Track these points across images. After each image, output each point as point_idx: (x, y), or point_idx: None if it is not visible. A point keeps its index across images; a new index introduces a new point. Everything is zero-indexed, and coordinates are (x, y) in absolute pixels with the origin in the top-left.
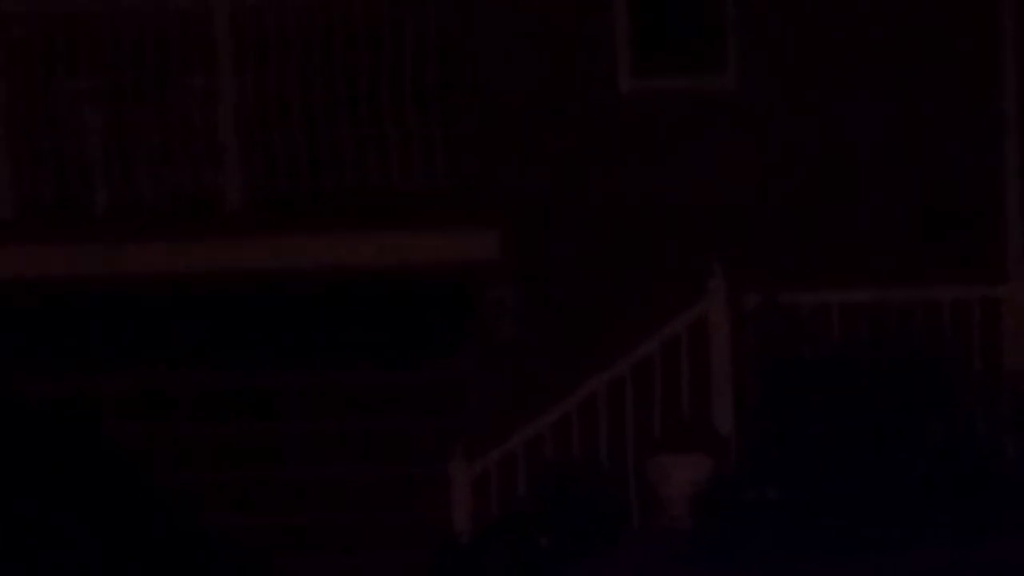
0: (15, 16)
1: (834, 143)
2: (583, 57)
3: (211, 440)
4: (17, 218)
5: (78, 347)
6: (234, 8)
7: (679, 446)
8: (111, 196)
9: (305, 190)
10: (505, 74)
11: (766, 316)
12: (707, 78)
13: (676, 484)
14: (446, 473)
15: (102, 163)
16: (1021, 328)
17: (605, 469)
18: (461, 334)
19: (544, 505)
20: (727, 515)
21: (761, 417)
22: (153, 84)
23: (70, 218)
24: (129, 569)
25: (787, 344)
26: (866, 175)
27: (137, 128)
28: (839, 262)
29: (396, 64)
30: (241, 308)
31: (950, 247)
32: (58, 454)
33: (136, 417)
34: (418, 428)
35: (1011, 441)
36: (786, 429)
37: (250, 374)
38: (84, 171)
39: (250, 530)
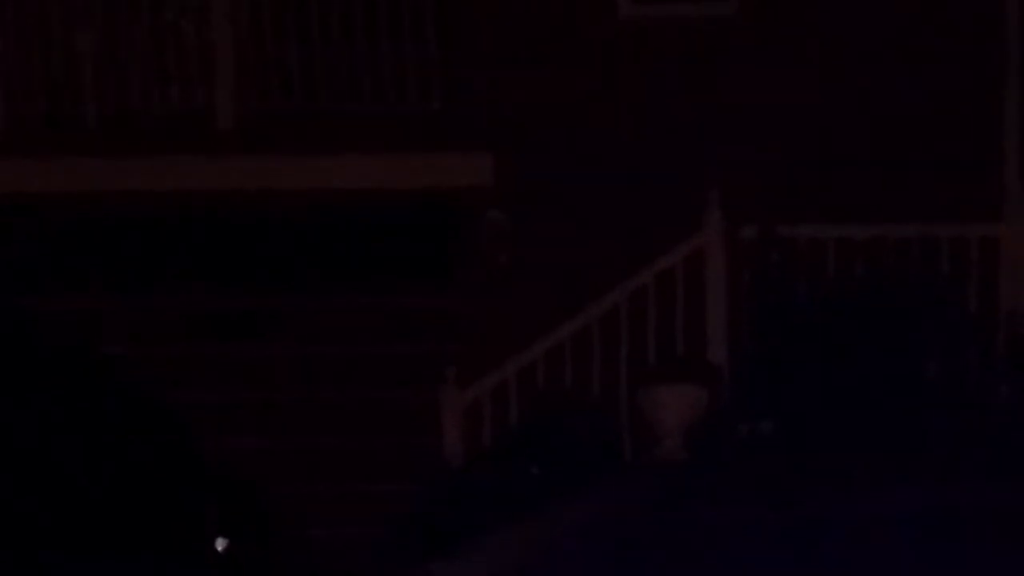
0: None
1: (834, 75)
2: None
3: (197, 362)
4: (6, 132)
5: (65, 264)
6: None
7: (673, 377)
8: (102, 112)
9: (299, 110)
10: (504, 2)
11: (763, 249)
12: (707, 4)
13: (669, 415)
14: (437, 399)
15: (93, 79)
16: (1017, 268)
17: (598, 399)
18: (454, 258)
19: (536, 434)
20: (721, 449)
21: (756, 350)
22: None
23: (60, 134)
24: (120, 482)
25: (783, 277)
26: (867, 109)
27: (129, 44)
28: (838, 197)
29: None
30: (232, 227)
31: (950, 186)
32: (50, 368)
33: (122, 336)
34: (409, 353)
35: (1005, 381)
36: (781, 363)
37: (239, 295)
38: (75, 87)
39: (237, 453)
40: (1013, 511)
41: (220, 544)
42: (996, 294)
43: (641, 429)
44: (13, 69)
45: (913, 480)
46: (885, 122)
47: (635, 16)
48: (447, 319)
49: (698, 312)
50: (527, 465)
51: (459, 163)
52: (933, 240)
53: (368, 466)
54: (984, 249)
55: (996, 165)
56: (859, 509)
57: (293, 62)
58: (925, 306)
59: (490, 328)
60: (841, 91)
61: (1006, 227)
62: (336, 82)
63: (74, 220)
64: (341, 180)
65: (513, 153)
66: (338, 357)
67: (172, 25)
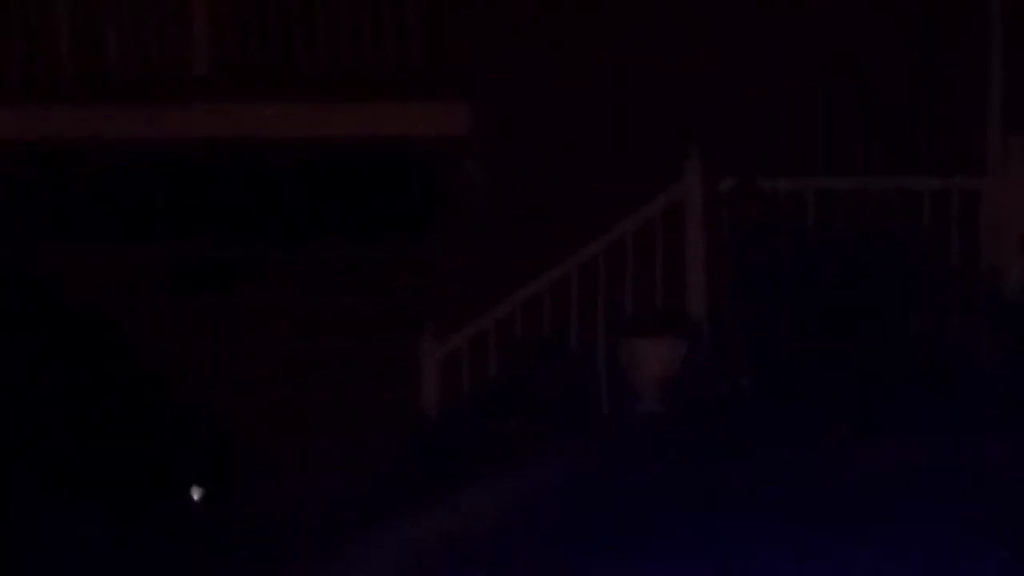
0: None
1: (817, 27)
2: None
3: (172, 313)
4: None
5: (39, 212)
6: None
7: (652, 330)
8: (78, 59)
9: (276, 59)
10: None
11: (742, 201)
12: None
13: (648, 368)
14: (415, 351)
15: (69, 25)
16: (998, 223)
17: (576, 351)
18: (431, 209)
19: (514, 386)
20: (698, 402)
21: (735, 304)
22: None
23: (36, 80)
24: (97, 429)
25: (763, 230)
26: (850, 62)
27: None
28: (819, 150)
29: None
30: (206, 177)
31: (932, 139)
32: (27, 317)
33: (99, 287)
34: (387, 305)
35: (985, 336)
36: (760, 317)
37: (214, 246)
38: (51, 33)
39: (213, 403)
40: (989, 465)
41: (196, 493)
42: (977, 248)
43: (620, 381)
44: None
45: (890, 435)
46: (868, 75)
47: None
48: (424, 270)
49: (678, 264)
50: (506, 417)
51: (436, 112)
52: (914, 193)
53: (345, 417)
54: (965, 203)
55: (979, 118)
56: (828, 467)
57: (271, 11)
58: (906, 259)
59: (468, 279)
60: (823, 44)
61: (987, 180)
62: (314, 31)
63: (50, 169)
64: (318, 129)
65: (491, 102)
66: (315, 308)
67: None
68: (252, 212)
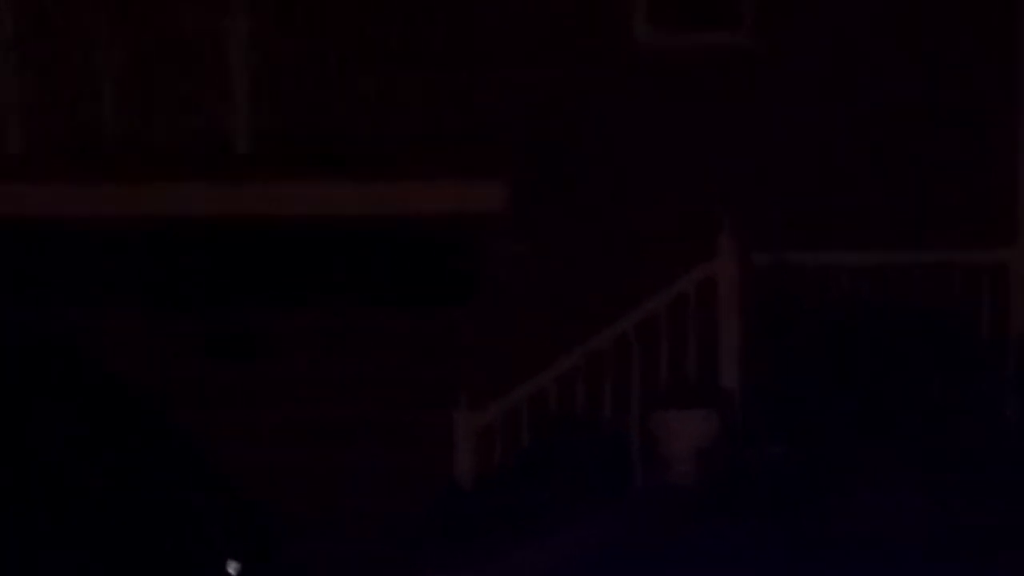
0: None
1: (847, 102)
2: (599, 6)
3: (213, 380)
4: (26, 153)
5: (83, 284)
6: None
7: (684, 402)
8: (122, 136)
9: (313, 135)
10: (519, 21)
11: (774, 275)
12: (722, 32)
13: (681, 440)
14: (450, 421)
15: (114, 102)
16: None
17: (609, 424)
18: (467, 282)
19: (547, 457)
20: (731, 472)
21: (767, 376)
22: (167, 23)
23: (80, 156)
24: (130, 502)
25: (794, 304)
26: (881, 138)
27: (150, 69)
28: (850, 224)
29: (409, 12)
30: (249, 250)
31: (962, 213)
32: (63, 384)
33: (139, 356)
34: (423, 375)
35: (1013, 405)
36: (791, 388)
37: (257, 316)
38: (96, 110)
39: (251, 469)
40: (1013, 530)
41: (232, 568)
42: (1007, 319)
43: (652, 453)
44: (34, 94)
45: (919, 503)
46: (898, 150)
47: (651, 41)
48: (460, 342)
49: (710, 337)
50: (538, 488)
51: (474, 190)
52: (945, 266)
53: (379, 485)
54: (996, 275)
55: (1009, 189)
56: (860, 530)
57: (309, 88)
58: (935, 331)
59: (503, 352)
60: (854, 119)
61: (1017, 252)
62: (350, 108)
63: (92, 240)
64: (355, 206)
65: (527, 178)
66: (352, 377)
67: (191, 50)
68: (291, 284)
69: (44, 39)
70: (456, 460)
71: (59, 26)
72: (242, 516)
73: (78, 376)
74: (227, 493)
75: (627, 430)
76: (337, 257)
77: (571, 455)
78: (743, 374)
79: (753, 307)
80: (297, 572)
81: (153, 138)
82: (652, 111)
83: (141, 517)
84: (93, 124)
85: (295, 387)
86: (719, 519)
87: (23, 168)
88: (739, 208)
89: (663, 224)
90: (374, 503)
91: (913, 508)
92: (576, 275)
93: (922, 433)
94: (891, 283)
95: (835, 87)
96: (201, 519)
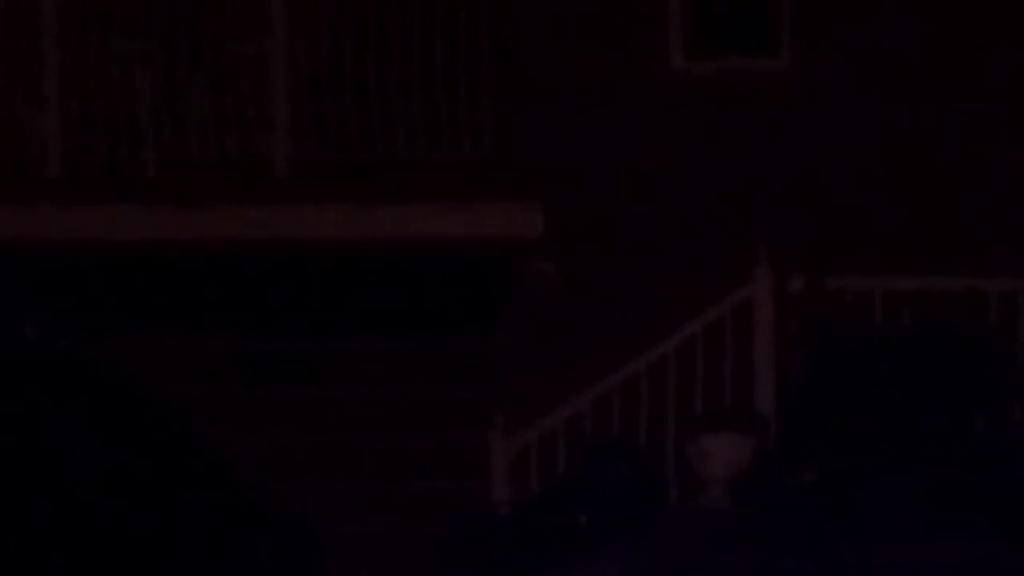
0: None
1: (885, 128)
2: (635, 34)
3: (247, 405)
4: (65, 177)
5: (121, 308)
6: None
7: (720, 427)
8: (160, 159)
9: (353, 158)
10: (557, 49)
11: (810, 300)
12: (759, 60)
13: (716, 464)
14: (485, 446)
15: (152, 126)
16: None
17: (645, 447)
18: (502, 307)
19: (583, 481)
20: (765, 498)
21: (802, 401)
22: (206, 48)
23: (118, 179)
24: (170, 526)
25: (830, 329)
26: (917, 163)
27: (188, 92)
28: (885, 249)
29: (448, 35)
30: (285, 274)
31: (1001, 236)
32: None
33: (177, 379)
34: (457, 399)
35: None
36: (827, 414)
37: (291, 339)
38: (134, 133)
39: (288, 495)
40: None
41: None
42: None
43: (688, 478)
44: (73, 117)
45: (955, 533)
46: (934, 175)
47: (687, 69)
48: (496, 366)
49: (746, 362)
50: (574, 513)
51: (509, 213)
52: (981, 292)
53: (415, 510)
54: None
55: None
56: (897, 561)
57: (349, 112)
58: (972, 358)
59: (538, 375)
60: (889, 144)
61: None
62: (391, 132)
63: (130, 266)
64: (394, 229)
65: (562, 203)
66: (386, 401)
67: (230, 74)
68: (329, 307)
69: (84, 63)
70: (492, 485)
71: (98, 50)
72: (279, 538)
73: (107, 396)
74: (264, 516)
75: (662, 454)
76: (374, 281)
77: (607, 479)
78: (778, 399)
79: (789, 332)
80: None
81: (192, 161)
82: (688, 136)
83: (179, 536)
84: (132, 148)
85: (332, 412)
86: (753, 544)
87: (63, 192)
88: (776, 233)
89: (699, 248)
90: (411, 528)
91: (949, 544)
92: (612, 299)
93: (961, 462)
94: (929, 307)
95: (873, 110)
96: (240, 540)
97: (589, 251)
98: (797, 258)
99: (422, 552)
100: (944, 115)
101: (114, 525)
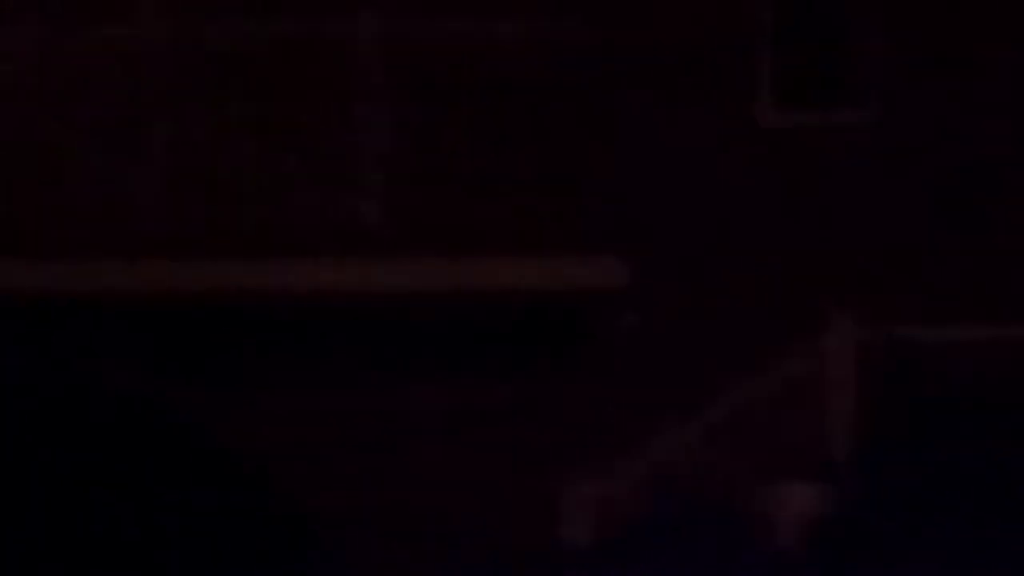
0: (185, 46)
1: (972, 179)
2: (723, 88)
3: (347, 457)
4: (171, 235)
5: (220, 357)
6: (381, 40)
7: (795, 474)
8: (260, 216)
9: (442, 213)
10: (646, 103)
11: (887, 351)
12: (847, 112)
13: (791, 512)
14: (567, 490)
15: (253, 184)
16: None
17: (720, 495)
18: (586, 355)
19: (658, 528)
20: (840, 545)
21: (877, 451)
22: (303, 111)
23: (216, 235)
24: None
25: (905, 378)
26: (1000, 212)
27: (288, 153)
28: (965, 298)
29: (531, 92)
30: (375, 325)
31: None
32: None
33: (266, 430)
34: (539, 445)
35: None
36: (901, 462)
37: (379, 389)
38: (235, 191)
39: (368, 540)
40: None
41: None
42: None
43: (762, 525)
44: (177, 176)
45: None
46: (1017, 226)
47: (776, 123)
48: (575, 413)
49: (822, 411)
50: (652, 556)
51: (593, 264)
52: None
53: (490, 554)
54: None
55: None
56: None
57: (440, 170)
58: None
59: (618, 422)
60: (978, 196)
61: None
62: (481, 188)
63: (227, 316)
64: (479, 281)
65: (648, 254)
66: (472, 446)
67: (323, 133)
68: (415, 356)
69: (184, 124)
70: (572, 530)
71: (198, 114)
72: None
73: (198, 440)
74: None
75: (740, 501)
76: (463, 330)
77: (683, 524)
78: (854, 448)
79: (864, 381)
80: None
81: (287, 218)
82: (772, 188)
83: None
84: (231, 205)
85: (416, 455)
86: None
87: (168, 247)
88: (855, 283)
89: (780, 298)
90: (492, 572)
91: None
92: (692, 347)
93: None
94: (1006, 357)
95: (956, 162)
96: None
97: (672, 301)
98: (876, 309)
99: None
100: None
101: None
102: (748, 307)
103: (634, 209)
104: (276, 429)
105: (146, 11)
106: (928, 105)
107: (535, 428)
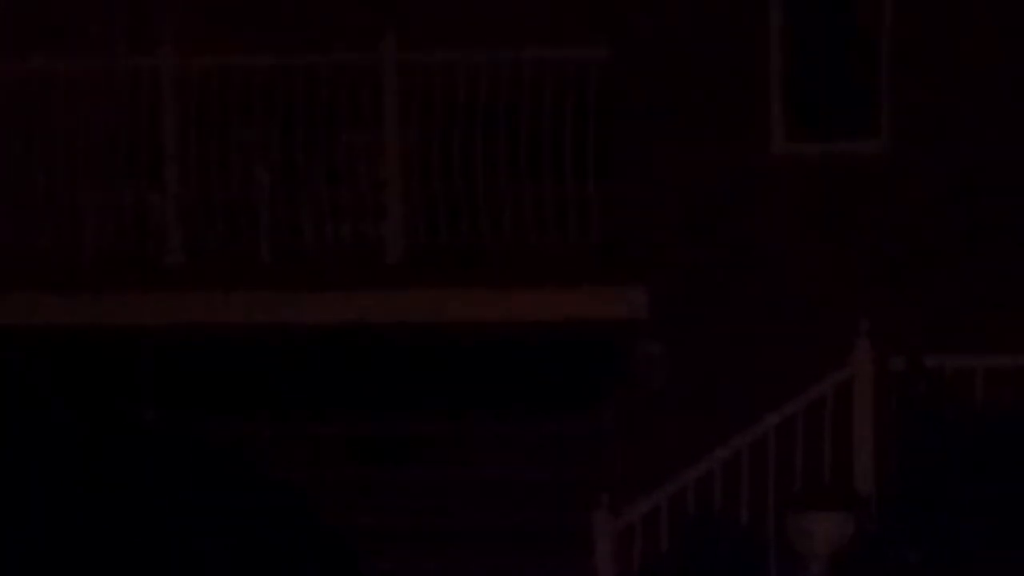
0: (197, 67)
1: (985, 207)
2: (737, 118)
3: (353, 486)
4: (186, 264)
5: (238, 392)
6: (401, 66)
7: (820, 505)
8: (276, 245)
9: (463, 244)
10: (660, 133)
11: (910, 379)
12: (860, 142)
13: (816, 543)
14: (589, 524)
15: (268, 213)
16: None
17: (746, 525)
18: (609, 387)
19: (685, 560)
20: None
21: (903, 480)
22: (321, 137)
23: (236, 266)
24: None
25: (931, 407)
26: (1016, 243)
27: (304, 180)
28: (985, 326)
29: (556, 121)
30: (396, 357)
31: None
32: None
33: (289, 462)
34: (563, 478)
35: None
36: (928, 493)
37: (400, 422)
38: (251, 220)
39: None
40: None
41: None
42: None
43: (788, 555)
44: (193, 203)
45: None
46: None
47: (788, 153)
48: (600, 445)
49: (846, 440)
50: None
51: (614, 295)
52: None
53: None
54: None
55: None
56: None
57: (460, 199)
58: None
59: (642, 453)
60: (988, 224)
61: None
62: (500, 218)
63: (244, 349)
64: (502, 313)
65: (667, 285)
66: (494, 482)
67: (344, 163)
68: (435, 388)
69: (203, 151)
70: (597, 563)
71: (217, 139)
72: None
73: (221, 479)
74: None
75: (763, 531)
76: (483, 363)
77: (709, 557)
78: (879, 478)
79: (890, 411)
80: None
81: (306, 248)
82: (790, 218)
83: None
84: (249, 234)
85: (438, 491)
86: None
87: (183, 278)
88: (876, 311)
89: (801, 327)
90: None
91: None
92: (715, 377)
93: None
94: None
95: (972, 189)
96: None
97: (693, 332)
98: (898, 337)
99: None
100: None
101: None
102: (769, 336)
103: (651, 239)
104: (294, 460)
105: (165, 38)
106: (942, 133)
107: (555, 461)
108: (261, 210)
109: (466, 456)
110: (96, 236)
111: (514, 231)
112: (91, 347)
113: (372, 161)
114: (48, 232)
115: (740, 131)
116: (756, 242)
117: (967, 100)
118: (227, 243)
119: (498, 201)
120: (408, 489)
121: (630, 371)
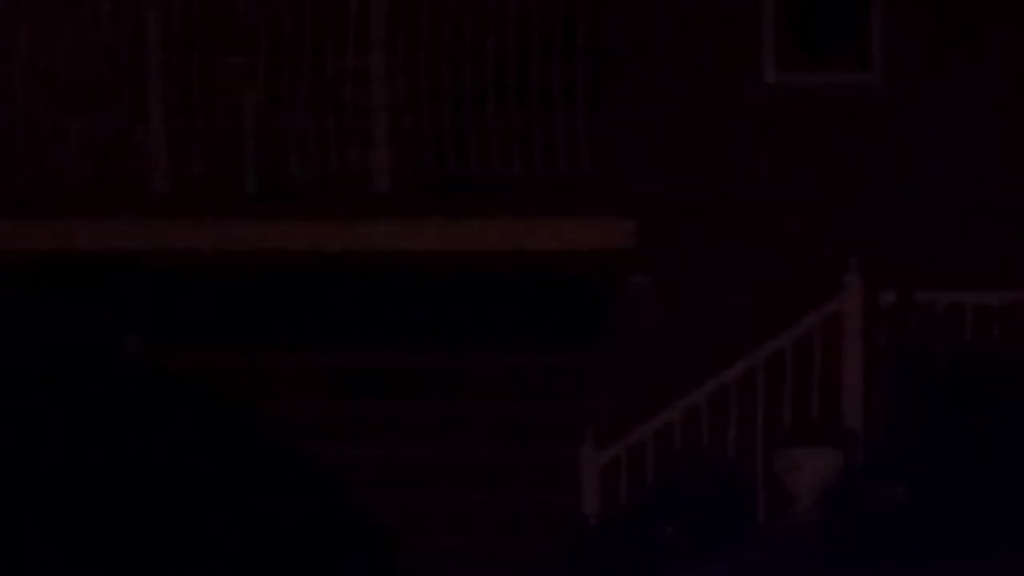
0: None
1: (976, 142)
2: (729, 48)
3: (343, 417)
4: (171, 193)
5: (224, 322)
6: None
7: (808, 440)
8: (261, 174)
9: (451, 174)
10: (650, 62)
11: (900, 314)
12: (851, 73)
13: (804, 478)
14: (576, 458)
15: (254, 141)
16: None
17: (733, 461)
18: (597, 321)
19: (671, 494)
20: (854, 513)
21: (891, 415)
22: (307, 65)
23: (221, 194)
24: (267, 538)
25: (920, 343)
26: (1008, 177)
27: (289, 108)
28: (976, 263)
29: (544, 52)
30: (382, 288)
31: None
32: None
33: (276, 393)
34: (550, 412)
35: None
36: (916, 428)
37: (387, 354)
38: (236, 148)
39: (380, 506)
40: None
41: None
42: None
43: (775, 491)
44: (178, 134)
45: None
46: None
47: (781, 82)
48: (587, 379)
49: (835, 376)
50: (662, 524)
51: (604, 226)
52: None
53: (507, 522)
54: None
55: None
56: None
57: (446, 128)
58: None
59: (629, 387)
60: (980, 159)
61: None
62: (488, 147)
63: (232, 280)
64: (490, 243)
65: (656, 216)
66: (480, 415)
67: (331, 91)
68: (425, 321)
69: (188, 84)
70: (583, 497)
71: (202, 71)
72: (378, 551)
73: (203, 409)
74: (363, 527)
75: (751, 467)
76: (470, 295)
77: (696, 492)
78: (867, 414)
79: (879, 346)
80: None
81: (292, 176)
82: (781, 148)
83: (272, 550)
84: (234, 164)
85: (423, 425)
86: (843, 558)
87: (168, 206)
88: (867, 246)
89: (791, 260)
90: (501, 540)
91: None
92: (703, 311)
93: None
94: (1020, 322)
95: (965, 125)
96: (335, 553)
97: (682, 263)
98: (888, 271)
99: (513, 564)
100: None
101: (212, 535)
102: (759, 268)
103: (641, 169)
104: (281, 391)
105: None
106: (934, 67)
107: (544, 394)
108: (245, 138)
109: (453, 388)
110: (80, 163)
111: (502, 160)
112: (75, 273)
113: (358, 88)
114: (32, 159)
115: (733, 61)
116: (747, 171)
117: (960, 33)
118: (210, 171)
119: (486, 130)
120: (394, 421)
121: (619, 303)
